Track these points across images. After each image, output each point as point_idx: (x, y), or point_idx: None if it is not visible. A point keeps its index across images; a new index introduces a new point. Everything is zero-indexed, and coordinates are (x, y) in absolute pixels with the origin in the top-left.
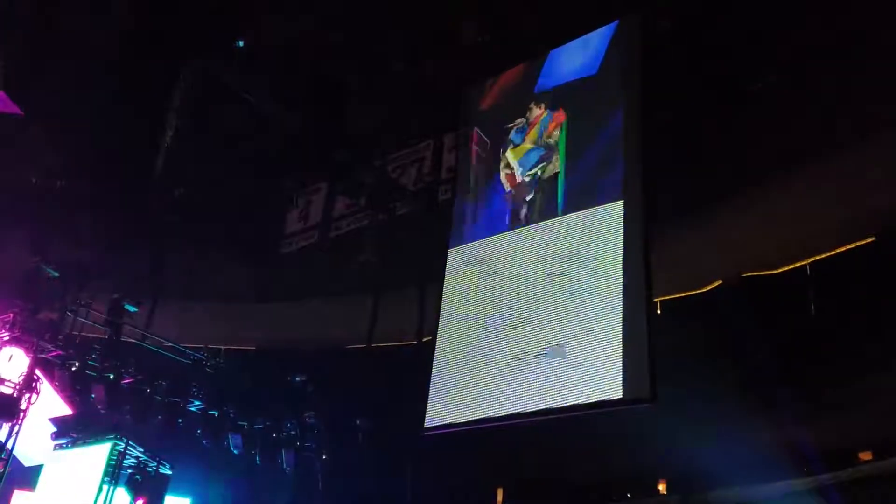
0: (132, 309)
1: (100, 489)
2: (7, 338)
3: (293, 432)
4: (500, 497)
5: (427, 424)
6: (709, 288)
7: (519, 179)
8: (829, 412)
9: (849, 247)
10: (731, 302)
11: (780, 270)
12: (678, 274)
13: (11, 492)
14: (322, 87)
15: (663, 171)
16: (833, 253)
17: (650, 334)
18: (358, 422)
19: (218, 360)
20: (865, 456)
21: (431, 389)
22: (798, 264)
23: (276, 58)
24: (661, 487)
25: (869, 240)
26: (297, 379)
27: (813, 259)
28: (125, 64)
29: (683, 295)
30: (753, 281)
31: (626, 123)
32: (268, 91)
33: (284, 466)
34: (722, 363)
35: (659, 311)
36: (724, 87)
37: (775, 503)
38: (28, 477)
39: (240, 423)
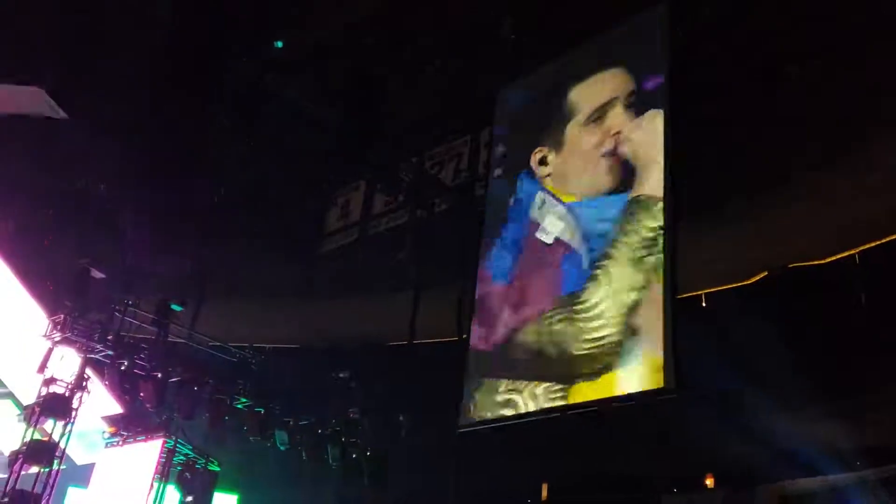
0: (178, 308)
1: (150, 486)
2: (59, 338)
3: (338, 428)
4: (545, 492)
5: (462, 422)
6: (755, 280)
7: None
8: (880, 406)
9: None
10: (779, 293)
11: (827, 261)
12: (724, 266)
13: (66, 489)
14: (360, 85)
15: (709, 162)
16: (883, 241)
17: (673, 326)
18: (401, 417)
19: (263, 357)
20: None
21: (465, 386)
22: (846, 254)
23: (315, 57)
24: (709, 482)
25: None
26: (341, 375)
27: (862, 248)
28: (168, 66)
29: (729, 287)
30: (800, 272)
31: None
32: (307, 90)
33: (330, 462)
34: (771, 356)
35: (704, 304)
36: (769, 74)
37: (823, 498)
38: (81, 474)
39: (285, 419)
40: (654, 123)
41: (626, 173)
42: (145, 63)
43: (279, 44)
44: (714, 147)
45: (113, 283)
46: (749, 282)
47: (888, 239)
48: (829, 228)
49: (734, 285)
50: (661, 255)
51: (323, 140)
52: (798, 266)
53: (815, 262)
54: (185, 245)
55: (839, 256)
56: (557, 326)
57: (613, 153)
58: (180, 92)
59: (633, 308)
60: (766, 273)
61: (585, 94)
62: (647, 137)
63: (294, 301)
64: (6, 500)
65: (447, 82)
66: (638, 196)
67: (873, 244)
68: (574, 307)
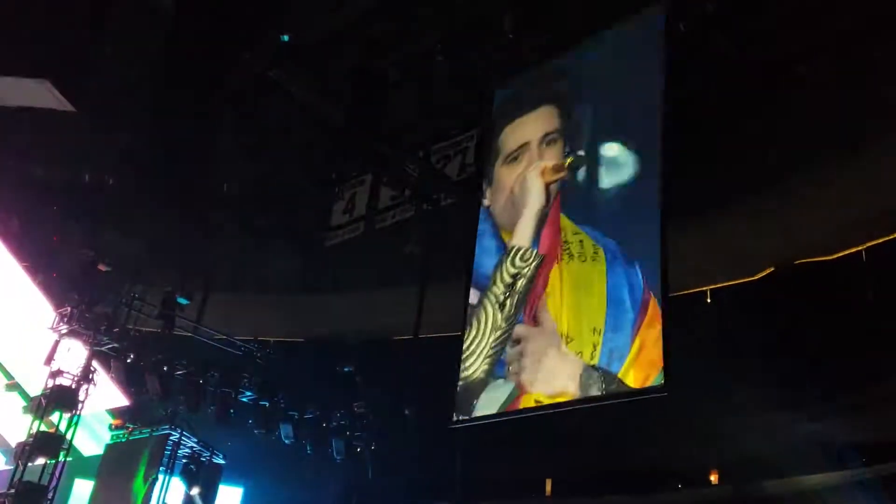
0: (184, 302)
1: (156, 478)
2: (65, 330)
3: (343, 422)
4: (548, 487)
5: (455, 418)
6: (760, 276)
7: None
8: (883, 403)
9: None
10: (784, 289)
11: (834, 257)
12: (729, 262)
13: (73, 481)
14: (365, 80)
15: (716, 159)
16: (889, 238)
17: (665, 325)
18: (406, 411)
19: (268, 351)
20: None
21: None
22: (853, 250)
23: (320, 51)
24: (713, 478)
25: None
26: (346, 369)
27: (869, 245)
28: (174, 59)
29: (734, 283)
30: (807, 268)
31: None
32: (312, 84)
33: (335, 455)
34: (776, 353)
35: (709, 300)
36: (775, 70)
37: (829, 494)
38: (87, 466)
39: (290, 412)
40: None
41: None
42: (151, 55)
43: (285, 38)
44: (721, 144)
45: (119, 277)
46: (755, 278)
47: (894, 236)
48: (836, 225)
49: (740, 281)
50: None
51: (329, 134)
52: (804, 262)
53: (822, 259)
54: (191, 239)
55: (845, 253)
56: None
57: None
58: (186, 85)
59: None
60: (772, 269)
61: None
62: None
63: (299, 295)
64: (13, 491)
65: (453, 77)
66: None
67: (879, 241)
68: None
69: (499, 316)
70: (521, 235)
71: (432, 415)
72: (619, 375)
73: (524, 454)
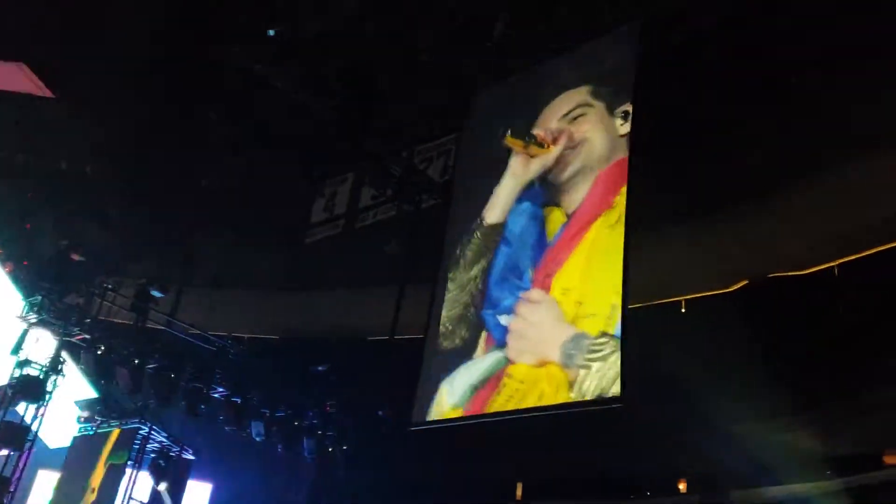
0: (159, 294)
1: (123, 472)
2: (35, 320)
3: (315, 421)
4: (519, 492)
5: (415, 420)
6: (735, 288)
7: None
8: (854, 415)
9: (879, 249)
10: (758, 302)
11: (808, 271)
12: (705, 273)
13: (36, 472)
14: (352, 78)
15: (692, 169)
16: (863, 255)
17: (624, 336)
18: (380, 413)
19: (242, 347)
20: (891, 460)
21: (420, 385)
22: (826, 265)
23: (307, 47)
24: (681, 486)
25: None
26: (320, 368)
27: (842, 261)
28: (158, 50)
29: (709, 294)
30: (781, 281)
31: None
32: (298, 80)
33: (306, 454)
34: (747, 364)
35: (683, 310)
36: (756, 84)
37: None
38: (52, 458)
39: (262, 410)
40: None
41: None
42: (136, 45)
43: (271, 32)
44: (699, 156)
45: (93, 267)
46: (730, 290)
47: (867, 253)
48: (810, 240)
49: (715, 293)
50: None
51: (312, 131)
52: (778, 276)
53: (795, 273)
54: (169, 231)
55: (819, 268)
56: None
57: None
58: (170, 76)
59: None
60: (746, 282)
61: None
62: None
63: (276, 291)
64: None
65: (440, 78)
66: None
67: (852, 257)
68: None
69: None
70: None
71: (405, 416)
72: None
73: (496, 457)
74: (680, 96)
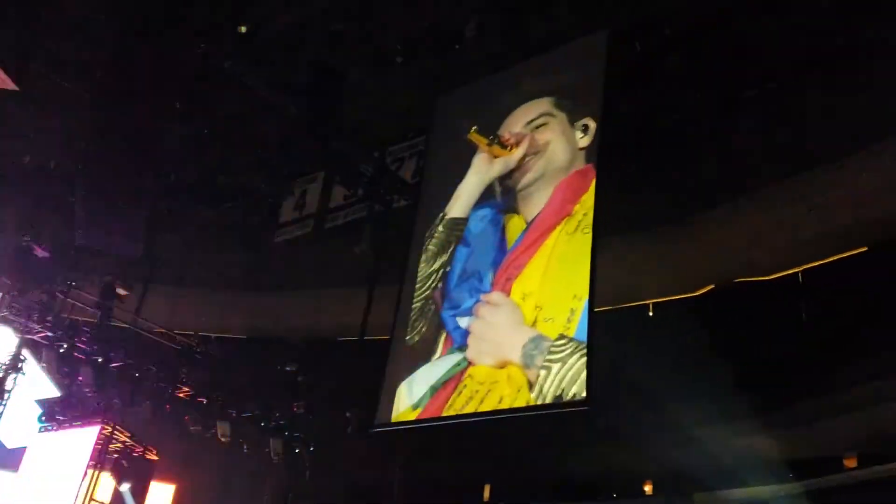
0: (124, 292)
1: (84, 474)
2: None
3: (282, 422)
4: (486, 493)
5: (377, 421)
6: (702, 292)
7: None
8: (816, 419)
9: (841, 256)
10: (723, 307)
11: (772, 277)
12: (673, 277)
13: None
14: (323, 76)
15: (660, 174)
16: (826, 262)
17: (590, 341)
18: (348, 414)
19: (208, 347)
20: (851, 463)
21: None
22: (790, 272)
23: (279, 45)
24: (647, 488)
25: (861, 250)
26: (288, 369)
27: (806, 267)
28: (125, 45)
29: (677, 298)
30: (746, 287)
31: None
32: (269, 77)
33: (272, 456)
34: (712, 367)
35: (651, 314)
36: (721, 94)
37: None
38: (11, 459)
39: (228, 410)
40: None
41: None
42: (100, 40)
43: (242, 29)
44: (668, 163)
45: (56, 263)
46: (696, 294)
47: (829, 260)
48: (776, 246)
49: (682, 296)
50: None
51: (282, 129)
52: (744, 281)
53: (761, 279)
54: (135, 228)
55: (783, 274)
56: None
57: None
58: (137, 72)
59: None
60: (712, 286)
61: None
62: None
63: (244, 291)
64: None
65: (412, 78)
66: None
67: (816, 264)
68: None
69: None
70: None
71: (374, 418)
72: None
73: (463, 459)
74: (645, 104)
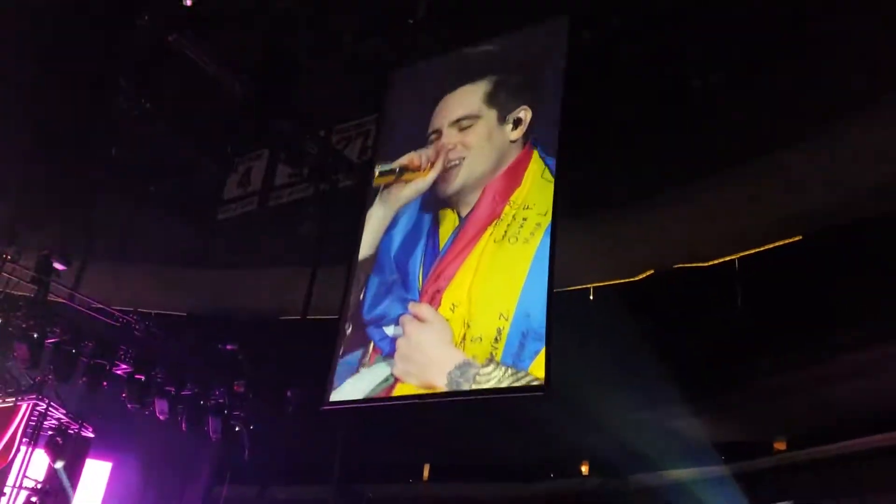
0: (61, 266)
1: (16, 450)
2: None
3: (221, 400)
4: (426, 473)
5: (329, 399)
6: (641, 277)
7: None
8: (748, 403)
9: (777, 244)
10: (662, 292)
11: (710, 263)
12: (613, 262)
13: None
14: (270, 55)
15: (604, 161)
16: (762, 249)
17: (548, 321)
18: (289, 393)
19: (147, 323)
20: (780, 446)
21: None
22: (727, 258)
23: (224, 22)
24: (584, 469)
25: (796, 238)
26: (229, 347)
27: (742, 254)
28: (66, 18)
29: (617, 282)
30: (684, 272)
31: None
32: (214, 54)
33: (211, 434)
34: (649, 352)
35: (592, 297)
36: (667, 84)
37: (693, 489)
38: None
39: (167, 388)
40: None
41: None
42: (42, 15)
43: (188, 2)
44: (612, 148)
45: None
46: (636, 279)
47: (766, 248)
48: (714, 234)
49: (622, 281)
50: None
51: (227, 106)
52: (682, 267)
53: (699, 265)
54: (74, 201)
55: (720, 261)
56: None
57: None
58: (78, 43)
59: None
60: (652, 272)
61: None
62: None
63: (185, 268)
64: None
65: (361, 58)
66: None
67: (752, 252)
68: None
69: None
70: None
71: (315, 397)
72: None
73: (403, 439)
74: (587, 94)
